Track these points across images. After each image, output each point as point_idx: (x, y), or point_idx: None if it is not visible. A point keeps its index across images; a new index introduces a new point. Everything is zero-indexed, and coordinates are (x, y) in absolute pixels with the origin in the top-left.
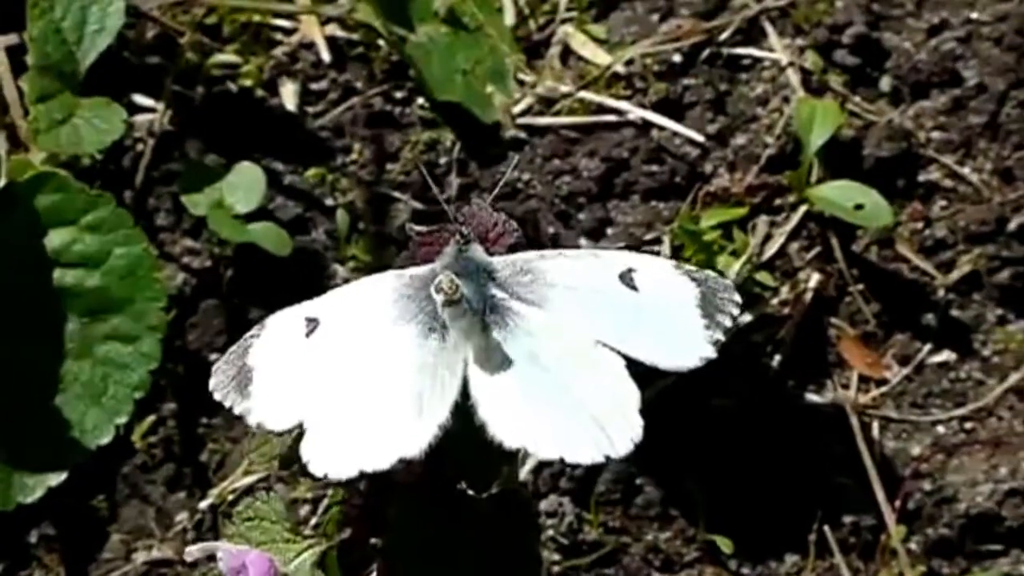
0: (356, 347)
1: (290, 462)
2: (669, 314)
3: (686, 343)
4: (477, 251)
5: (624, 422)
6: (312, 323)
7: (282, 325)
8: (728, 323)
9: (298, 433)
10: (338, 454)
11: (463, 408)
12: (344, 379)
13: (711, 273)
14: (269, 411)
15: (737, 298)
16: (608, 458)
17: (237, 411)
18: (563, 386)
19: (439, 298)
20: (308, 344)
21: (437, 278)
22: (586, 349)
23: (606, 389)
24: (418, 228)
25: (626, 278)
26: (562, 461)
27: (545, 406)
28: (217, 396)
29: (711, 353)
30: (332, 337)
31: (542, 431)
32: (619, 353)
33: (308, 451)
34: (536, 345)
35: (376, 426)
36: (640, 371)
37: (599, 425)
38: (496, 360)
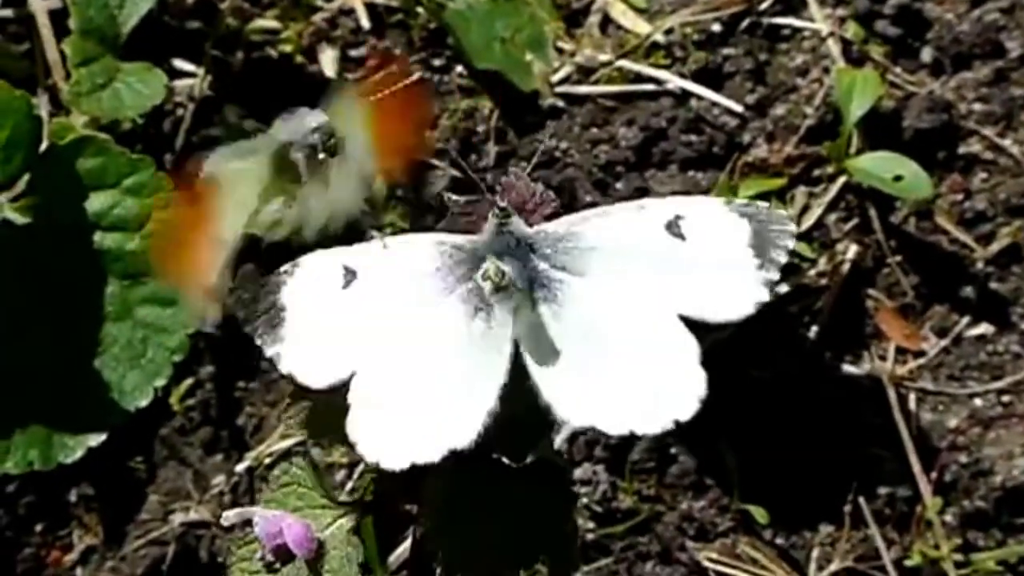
0: (398, 316)
1: (323, 431)
2: (720, 260)
3: (738, 289)
4: (517, 224)
5: (686, 382)
6: (350, 274)
7: (317, 268)
8: (782, 258)
9: (331, 400)
10: (389, 444)
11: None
12: (386, 351)
13: (762, 205)
14: (303, 364)
15: (792, 228)
16: (678, 423)
17: (268, 353)
18: (620, 356)
19: (487, 286)
20: (345, 297)
21: (483, 266)
22: (637, 312)
23: (663, 350)
24: (456, 198)
25: (673, 227)
26: (632, 434)
27: (606, 381)
28: (247, 329)
29: (765, 296)
30: (372, 298)
31: (609, 409)
32: (670, 310)
33: (356, 434)
34: (586, 317)
35: (426, 414)
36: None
37: (663, 391)
38: (548, 337)
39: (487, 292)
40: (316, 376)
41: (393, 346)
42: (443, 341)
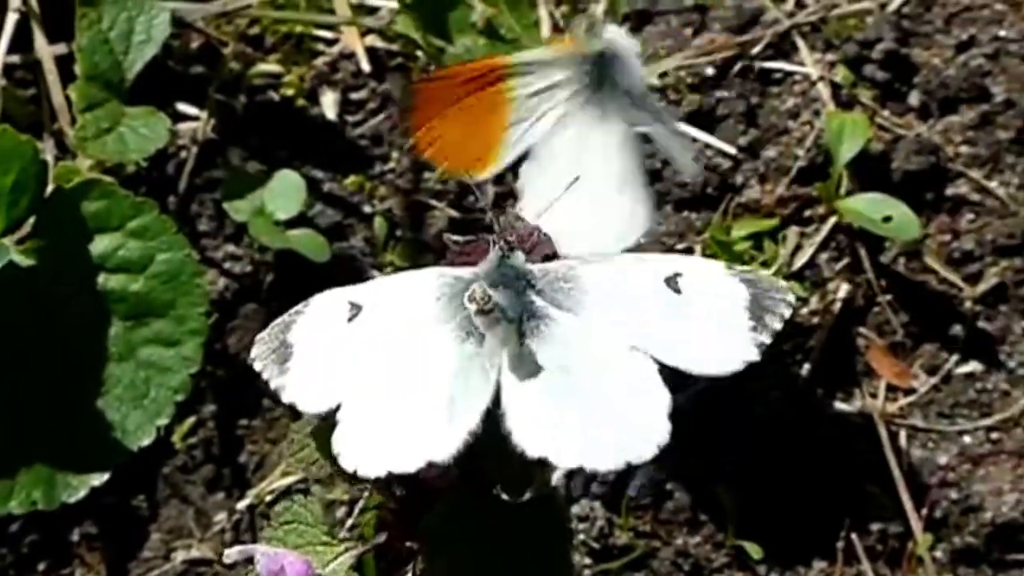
0: (394, 341)
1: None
2: (714, 318)
3: (729, 347)
4: (519, 259)
5: (650, 428)
6: (355, 308)
7: (326, 306)
8: (777, 325)
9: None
10: (369, 452)
11: (497, 415)
12: (380, 372)
13: (763, 273)
14: (304, 391)
15: (790, 298)
16: (629, 464)
17: (273, 385)
18: (592, 394)
19: (471, 307)
20: (348, 329)
21: (470, 287)
22: (620, 355)
23: (635, 395)
24: (455, 238)
25: (671, 282)
26: (582, 469)
27: (570, 416)
28: (256, 366)
29: (754, 357)
30: (372, 326)
31: (564, 442)
32: (655, 360)
33: (340, 444)
34: (569, 353)
35: (408, 427)
36: (672, 377)
37: (624, 432)
38: (527, 369)
39: (472, 315)
40: (315, 401)
41: (386, 368)
42: (433, 364)
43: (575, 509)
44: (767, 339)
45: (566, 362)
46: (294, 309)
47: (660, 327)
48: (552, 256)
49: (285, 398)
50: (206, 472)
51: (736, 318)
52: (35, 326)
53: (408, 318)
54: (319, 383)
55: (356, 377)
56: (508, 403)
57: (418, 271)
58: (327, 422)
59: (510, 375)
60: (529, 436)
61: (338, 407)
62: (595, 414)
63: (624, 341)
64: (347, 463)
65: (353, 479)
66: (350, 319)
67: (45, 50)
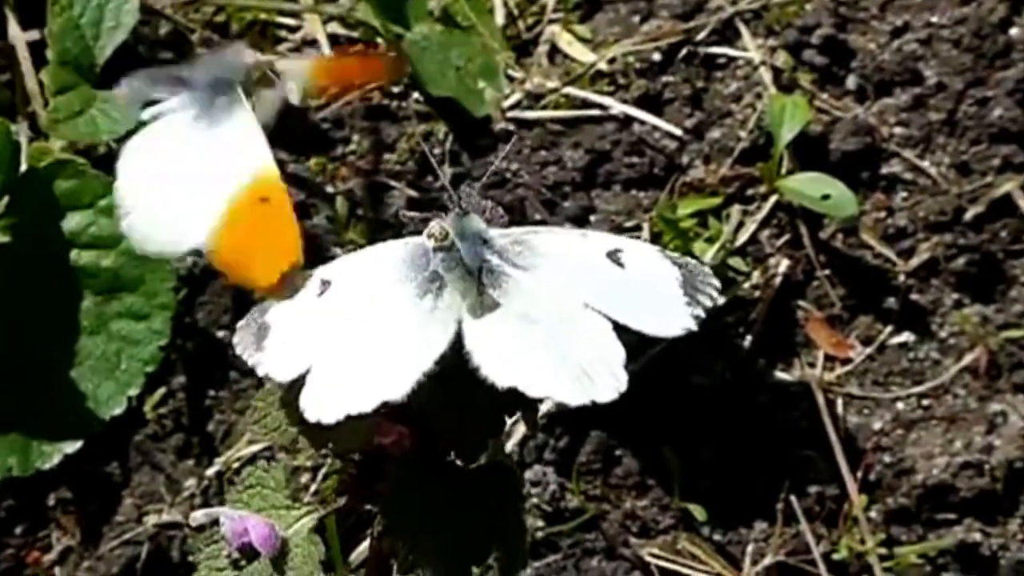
0: (358, 304)
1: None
2: (654, 289)
3: (670, 314)
4: (475, 220)
5: (610, 374)
6: (324, 284)
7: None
8: (708, 303)
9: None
10: (330, 399)
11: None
12: (343, 333)
13: (692, 260)
14: (277, 362)
15: (716, 283)
16: (593, 402)
17: (250, 363)
18: (554, 338)
19: (430, 243)
20: (317, 303)
21: (429, 225)
22: (575, 310)
23: (593, 345)
24: (412, 214)
25: (613, 256)
26: (549, 399)
27: (536, 352)
28: (237, 351)
29: (692, 326)
30: (338, 296)
31: (532, 371)
32: (606, 317)
33: (305, 400)
34: (528, 304)
35: (365, 373)
36: (624, 344)
37: (586, 374)
38: (490, 314)
39: (431, 252)
40: (287, 369)
41: (351, 328)
42: (393, 319)
43: (528, 474)
44: (701, 313)
45: (527, 310)
46: None
47: (608, 290)
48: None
49: (260, 372)
50: (176, 440)
51: (672, 292)
52: (9, 301)
53: (373, 284)
54: (291, 353)
55: (324, 342)
56: (473, 343)
57: (384, 243)
58: (291, 389)
59: (472, 321)
60: (499, 367)
61: (307, 371)
62: (559, 355)
63: (577, 299)
64: (311, 414)
65: (315, 442)
66: (320, 293)
67: (19, 36)
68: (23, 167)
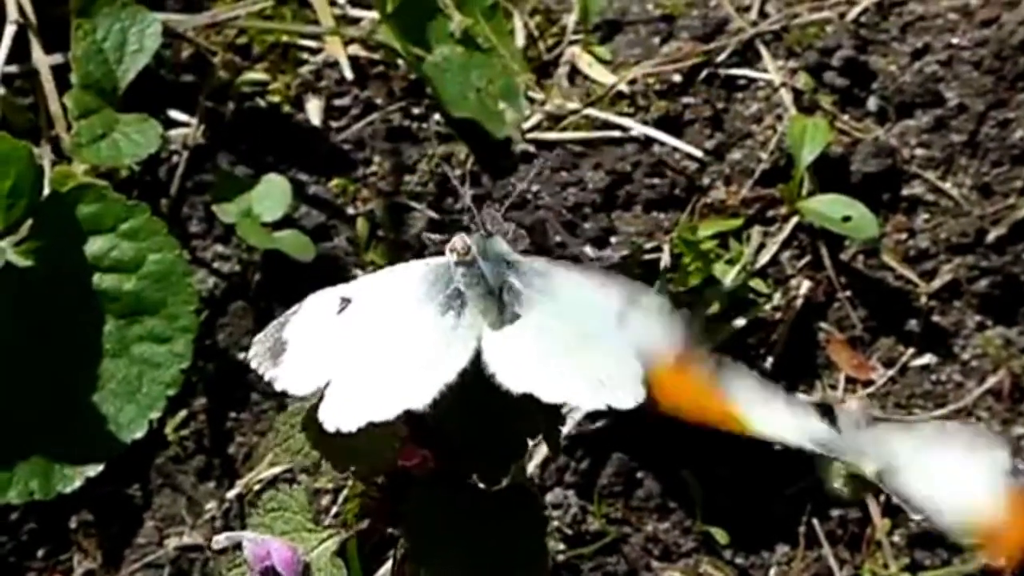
0: (379, 321)
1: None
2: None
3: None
4: (499, 242)
5: (628, 383)
6: (345, 302)
7: (318, 303)
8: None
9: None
10: (349, 408)
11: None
12: (364, 348)
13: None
14: (295, 376)
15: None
16: (610, 408)
17: (267, 378)
18: (573, 349)
19: (452, 257)
20: (338, 320)
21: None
22: (595, 330)
23: (613, 358)
24: (434, 237)
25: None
26: (557, 414)
27: (553, 359)
28: (252, 364)
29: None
30: (359, 313)
31: (548, 377)
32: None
33: (324, 412)
34: (548, 321)
35: (387, 383)
36: None
37: (605, 378)
38: (509, 327)
39: (452, 266)
40: (305, 384)
41: (371, 344)
42: (415, 335)
43: (549, 497)
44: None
45: (546, 326)
46: (290, 310)
47: (628, 327)
48: (525, 254)
49: (278, 386)
50: (197, 463)
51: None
52: (32, 324)
53: (394, 302)
54: (310, 368)
55: (344, 356)
56: (491, 353)
57: (404, 264)
58: (313, 411)
59: (492, 334)
60: (513, 373)
61: (326, 386)
62: (577, 363)
63: (600, 322)
64: (330, 424)
65: (338, 464)
66: (340, 311)
67: (42, 60)
68: (46, 191)
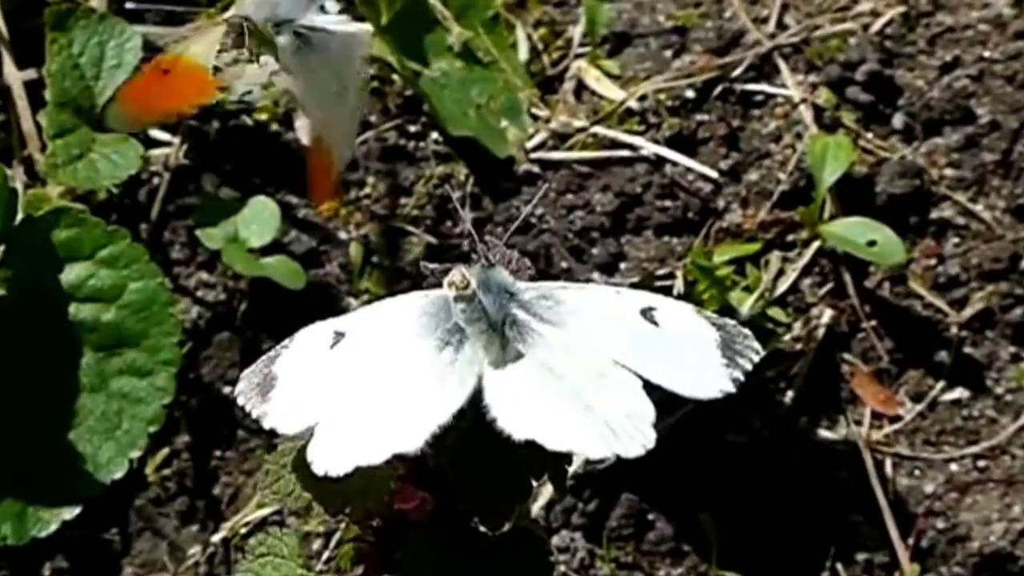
0: (373, 357)
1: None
2: (690, 349)
3: (706, 376)
4: (500, 272)
5: (636, 429)
6: (338, 336)
7: (310, 337)
8: (748, 366)
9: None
10: (338, 451)
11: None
12: (356, 385)
13: (731, 320)
14: (284, 414)
15: (757, 346)
16: (617, 456)
17: (254, 415)
18: (579, 392)
19: (450, 293)
20: (330, 355)
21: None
22: (604, 366)
23: (621, 401)
24: (432, 266)
25: (647, 314)
26: (563, 455)
27: (557, 403)
28: (240, 401)
29: (731, 389)
30: (352, 348)
31: (552, 423)
32: (637, 375)
33: (312, 454)
34: (554, 357)
35: (378, 424)
36: (654, 403)
37: (610, 427)
38: (512, 366)
39: (451, 301)
40: (294, 422)
41: (364, 381)
42: (411, 372)
43: (555, 540)
44: (740, 376)
45: (552, 363)
46: (281, 344)
47: (641, 348)
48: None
49: (266, 424)
50: (179, 504)
51: (710, 353)
52: (5, 356)
53: (389, 336)
54: (299, 405)
55: (335, 394)
56: (492, 394)
57: (402, 296)
58: (304, 451)
59: (493, 373)
60: (516, 419)
61: (316, 425)
62: (583, 407)
63: (607, 354)
64: (318, 467)
65: (330, 506)
66: (333, 345)
67: (14, 75)
68: (19, 215)
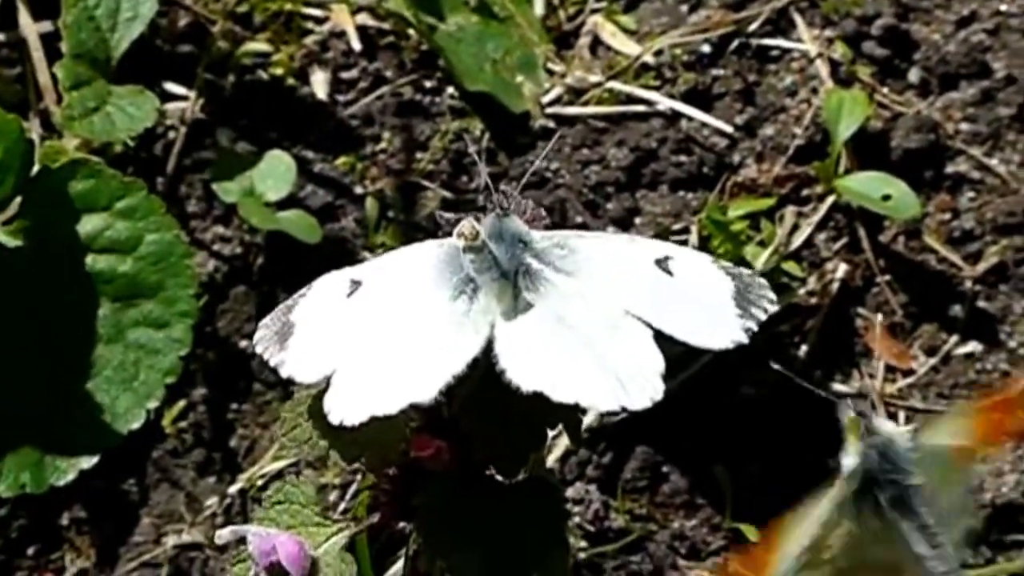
0: (388, 306)
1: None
2: (704, 299)
3: (719, 326)
4: (515, 221)
5: (645, 381)
6: (355, 284)
7: (328, 286)
8: (762, 316)
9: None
10: (355, 401)
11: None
12: (372, 335)
13: (745, 270)
14: (301, 363)
15: (771, 296)
16: (624, 408)
17: (272, 363)
18: (587, 342)
19: (460, 243)
20: (347, 304)
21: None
22: (615, 316)
23: (630, 351)
24: (447, 216)
25: (662, 264)
26: (577, 405)
27: (566, 355)
28: (258, 349)
29: (743, 339)
30: (369, 297)
31: (560, 374)
32: (648, 325)
33: (329, 402)
34: (565, 307)
35: (393, 374)
36: (668, 357)
37: (619, 379)
38: (523, 317)
39: (461, 251)
40: (312, 371)
41: (380, 330)
42: (425, 321)
43: (570, 492)
44: (753, 326)
45: (563, 313)
46: (299, 292)
47: (654, 298)
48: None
49: (284, 372)
50: (196, 456)
51: (723, 303)
52: (22, 307)
53: (405, 285)
54: (317, 353)
55: (351, 343)
56: (502, 345)
57: (419, 244)
58: (320, 400)
59: (504, 324)
60: (524, 371)
61: (333, 373)
62: (592, 358)
63: (619, 304)
64: (334, 416)
65: (346, 455)
66: (350, 294)
67: (30, 27)
68: (36, 167)
